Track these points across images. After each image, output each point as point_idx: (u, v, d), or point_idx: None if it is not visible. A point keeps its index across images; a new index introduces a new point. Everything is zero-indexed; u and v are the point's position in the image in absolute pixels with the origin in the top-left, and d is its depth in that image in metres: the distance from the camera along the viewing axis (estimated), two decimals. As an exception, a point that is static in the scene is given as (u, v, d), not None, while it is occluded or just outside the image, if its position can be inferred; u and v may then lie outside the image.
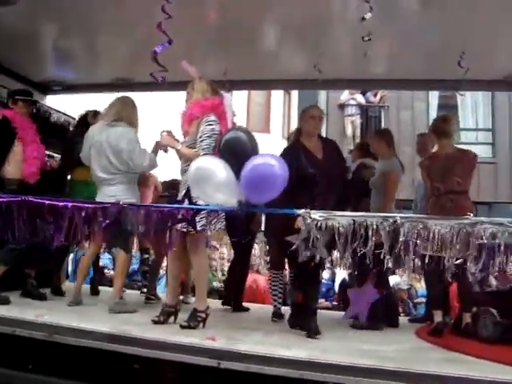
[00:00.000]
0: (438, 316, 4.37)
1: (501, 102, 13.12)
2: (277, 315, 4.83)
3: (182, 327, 3.93)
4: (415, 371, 3.13)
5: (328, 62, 5.10)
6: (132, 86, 6.33)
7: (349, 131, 12.90)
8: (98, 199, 4.62)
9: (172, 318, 4.20)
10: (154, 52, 4.07)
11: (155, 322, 4.11)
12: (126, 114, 4.85)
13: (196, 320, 3.98)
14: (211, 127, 3.99)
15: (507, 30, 4.76)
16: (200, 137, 4.03)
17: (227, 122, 4.09)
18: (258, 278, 7.17)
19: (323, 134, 14.10)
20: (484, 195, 12.57)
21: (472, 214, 3.50)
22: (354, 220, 3.30)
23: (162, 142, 4.39)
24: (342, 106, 13.06)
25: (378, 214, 3.46)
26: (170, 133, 4.38)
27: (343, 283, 8.13)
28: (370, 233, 3.28)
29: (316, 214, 3.37)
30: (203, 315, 4.00)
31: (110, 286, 6.39)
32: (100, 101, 6.22)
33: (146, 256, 5.95)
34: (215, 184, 3.53)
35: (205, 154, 3.92)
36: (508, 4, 4.36)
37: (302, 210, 3.47)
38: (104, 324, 3.90)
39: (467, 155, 4.56)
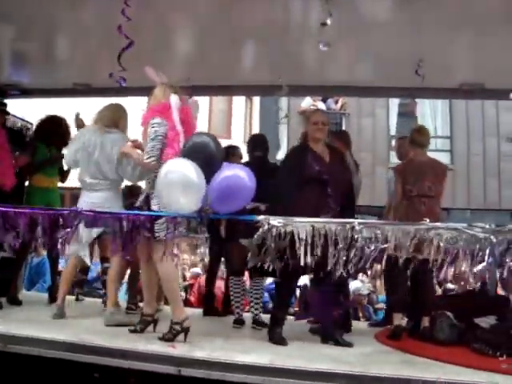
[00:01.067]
0: (396, 319, 4.44)
1: (458, 109, 13.47)
2: (238, 322, 4.81)
3: (159, 339, 3.80)
4: (372, 374, 3.18)
5: (290, 68, 5.15)
6: (91, 91, 6.23)
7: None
8: (79, 204, 4.51)
9: (151, 327, 4.09)
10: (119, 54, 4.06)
11: (132, 331, 4.01)
12: (120, 121, 4.78)
13: (171, 332, 3.79)
14: (154, 129, 3.89)
15: (463, 39, 4.90)
16: (147, 140, 3.98)
17: (189, 125, 4.02)
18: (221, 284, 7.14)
19: (284, 140, 14.26)
20: (442, 201, 12.87)
21: (428, 220, 3.56)
22: (312, 226, 3.33)
23: (123, 151, 4.31)
24: (304, 113, 13.14)
25: (338, 220, 3.48)
26: (134, 141, 4.33)
27: (304, 288, 8.18)
28: (329, 239, 3.31)
29: (275, 221, 3.38)
30: (178, 327, 3.78)
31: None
32: (57, 106, 6.16)
33: (107, 265, 5.86)
34: (184, 187, 3.50)
35: (149, 157, 3.85)
36: (464, 15, 4.50)
37: (261, 216, 3.49)
38: (63, 333, 3.81)
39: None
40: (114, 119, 4.74)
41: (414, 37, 4.90)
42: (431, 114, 13.88)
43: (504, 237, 3.27)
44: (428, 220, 3.50)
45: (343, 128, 13.15)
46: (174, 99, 3.96)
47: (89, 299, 6.18)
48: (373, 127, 13.06)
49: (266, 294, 8.64)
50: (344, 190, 4.33)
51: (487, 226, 3.32)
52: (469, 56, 5.30)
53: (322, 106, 13.01)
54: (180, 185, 3.50)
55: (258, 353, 3.57)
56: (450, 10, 4.47)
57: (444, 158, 13.55)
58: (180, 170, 3.55)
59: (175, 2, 4.61)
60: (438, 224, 3.43)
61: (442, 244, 3.31)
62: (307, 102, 12.91)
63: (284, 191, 4.26)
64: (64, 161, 4.94)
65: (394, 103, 13.46)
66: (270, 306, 8.46)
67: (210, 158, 3.55)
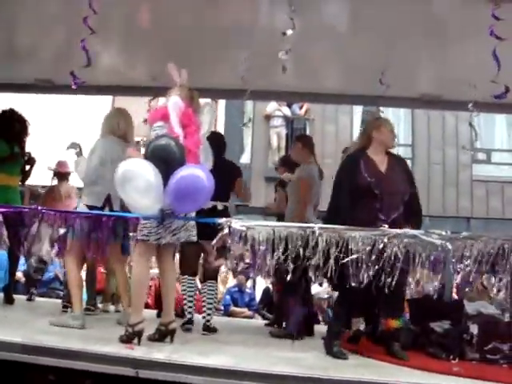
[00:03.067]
0: (355, 324, 4.51)
1: (420, 119, 13.74)
2: (187, 322, 4.73)
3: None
4: (330, 377, 3.23)
5: (254, 73, 5.17)
6: (53, 88, 6.12)
7: (274, 142, 13.04)
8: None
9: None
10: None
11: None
12: (130, 130, 4.75)
13: (125, 334, 3.75)
14: (155, 132, 3.86)
15: (425, 51, 5.02)
16: None
17: (190, 128, 3.93)
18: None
19: (248, 144, 14.22)
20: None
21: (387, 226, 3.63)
22: (273, 230, 3.35)
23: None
24: (268, 118, 13.20)
25: (299, 224, 3.52)
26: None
27: (266, 292, 8.23)
28: (289, 243, 3.34)
29: (237, 224, 3.40)
30: (130, 330, 3.73)
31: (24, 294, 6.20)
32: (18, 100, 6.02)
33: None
34: (141, 188, 3.48)
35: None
36: (426, 29, 4.62)
37: (223, 219, 3.50)
38: (17, 334, 3.71)
39: None
40: (126, 129, 4.71)
41: (378, 47, 5.00)
42: (394, 121, 14.05)
43: (459, 243, 3.36)
44: (387, 226, 3.58)
45: (307, 133, 13.30)
46: (173, 101, 3.90)
47: (46, 300, 6.06)
48: (336, 133, 13.18)
49: (228, 297, 8.69)
50: (400, 202, 4.07)
51: (443, 233, 3.42)
52: (429, 68, 5.45)
53: (286, 110, 13.10)
54: (138, 185, 3.49)
55: (218, 355, 3.57)
56: (413, 22, 4.59)
57: (405, 166, 13.84)
58: (136, 171, 3.53)
59: (144, 2, 4.62)
60: (396, 230, 3.50)
61: (399, 250, 3.37)
62: (272, 107, 12.99)
63: (337, 203, 4.10)
64: (78, 175, 4.70)
65: (358, 110, 13.65)
66: (232, 308, 8.52)
67: (170, 160, 3.52)
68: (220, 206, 4.75)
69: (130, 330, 3.72)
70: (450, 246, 3.37)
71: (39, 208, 3.92)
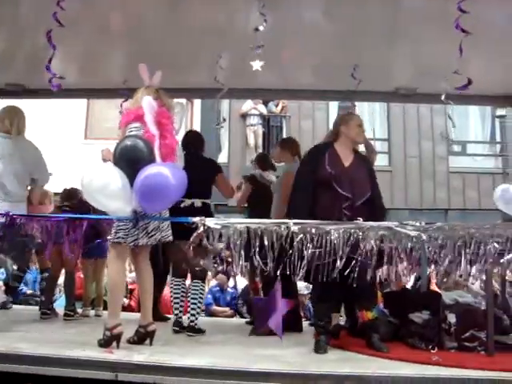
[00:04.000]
0: (335, 319, 4.52)
1: (395, 113, 13.86)
2: (177, 324, 4.70)
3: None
4: (311, 372, 3.24)
5: (229, 72, 5.16)
6: (24, 92, 6.03)
7: (251, 141, 13.07)
8: None
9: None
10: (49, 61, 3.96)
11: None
12: (22, 125, 4.66)
13: (103, 338, 3.72)
14: (132, 133, 3.84)
15: (398, 45, 5.07)
16: None
17: (164, 127, 3.90)
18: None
19: (225, 144, 14.23)
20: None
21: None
22: (248, 227, 3.35)
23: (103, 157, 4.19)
24: (244, 116, 13.21)
25: (272, 220, 3.51)
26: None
27: (246, 290, 8.23)
28: (265, 240, 3.33)
29: (211, 222, 3.39)
30: (108, 333, 3.70)
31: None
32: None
33: (47, 274, 5.74)
34: (109, 192, 3.46)
35: None
36: (398, 22, 4.65)
37: (197, 218, 3.48)
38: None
39: None
40: (18, 124, 4.64)
41: (351, 41, 5.03)
42: (370, 117, 14.21)
43: (434, 234, 3.39)
44: (361, 219, 3.60)
45: (284, 130, 13.36)
46: (147, 101, 3.88)
47: (23, 307, 5.99)
48: (313, 129, 13.24)
49: (210, 296, 8.67)
50: (361, 197, 4.07)
51: (418, 224, 3.45)
52: (403, 61, 5.49)
53: (262, 108, 13.12)
54: (104, 191, 3.47)
55: (198, 356, 3.56)
56: (385, 17, 4.62)
57: (382, 160, 13.96)
58: (101, 178, 3.51)
59: (114, 3, 4.57)
60: (370, 223, 3.52)
61: (374, 243, 3.39)
62: (248, 106, 12.99)
63: (296, 195, 4.14)
64: None
65: (334, 106, 13.73)
66: (213, 307, 8.50)
67: (138, 159, 3.50)
68: (198, 203, 4.72)
69: (107, 334, 3.69)
70: (424, 237, 3.40)
71: (10, 213, 3.83)
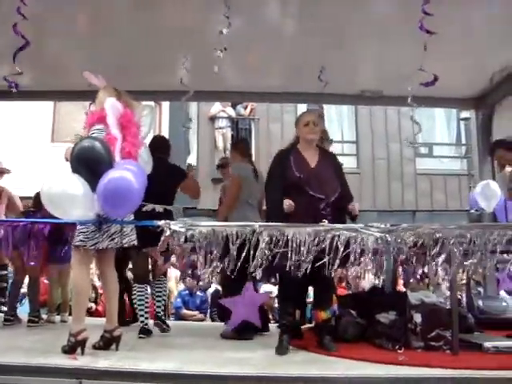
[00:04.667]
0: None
1: (363, 115, 14.00)
2: (144, 331, 4.63)
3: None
4: (277, 374, 3.24)
5: (195, 74, 5.14)
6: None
7: (220, 144, 13.03)
8: None
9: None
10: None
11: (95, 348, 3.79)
12: None
13: (67, 344, 3.62)
14: (94, 135, 3.76)
15: (363, 48, 5.12)
16: None
17: (128, 129, 3.84)
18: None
19: (194, 146, 14.11)
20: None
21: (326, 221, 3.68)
22: (213, 229, 3.33)
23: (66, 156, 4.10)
24: (213, 119, 13.17)
25: (240, 223, 3.50)
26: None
27: (216, 294, 8.21)
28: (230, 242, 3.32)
29: (176, 225, 3.36)
30: (73, 339, 3.61)
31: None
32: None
33: (4, 272, 5.60)
34: (69, 200, 3.41)
35: None
36: (364, 25, 4.70)
37: (162, 221, 3.45)
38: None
39: None
40: None
41: (317, 45, 5.08)
42: (337, 119, 14.33)
43: (398, 235, 3.43)
44: (326, 221, 3.61)
45: (252, 133, 13.37)
46: (110, 103, 3.81)
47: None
48: (281, 132, 13.28)
49: (179, 300, 8.62)
50: (332, 195, 4.11)
51: (382, 226, 3.48)
52: (368, 64, 5.56)
53: (231, 111, 13.10)
54: (64, 201, 3.43)
55: (166, 360, 3.51)
56: (349, 21, 4.67)
57: (350, 162, 14.08)
58: (59, 187, 3.46)
59: (80, 5, 4.51)
60: (336, 225, 3.54)
61: (340, 244, 3.41)
62: (216, 108, 12.96)
63: (268, 198, 4.22)
64: None
65: (303, 108, 13.78)
66: (183, 311, 8.46)
67: (96, 161, 3.45)
68: (159, 208, 4.68)
69: (72, 340, 3.62)
70: (389, 238, 3.43)
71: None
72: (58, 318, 5.73)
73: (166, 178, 4.69)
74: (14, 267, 5.50)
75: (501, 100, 5.95)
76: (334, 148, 14.09)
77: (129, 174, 3.40)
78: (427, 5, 3.94)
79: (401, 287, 5.71)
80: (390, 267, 3.56)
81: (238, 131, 13.22)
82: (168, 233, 3.37)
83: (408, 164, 14.00)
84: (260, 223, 3.48)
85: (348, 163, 14.16)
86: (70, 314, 5.44)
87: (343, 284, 7.21)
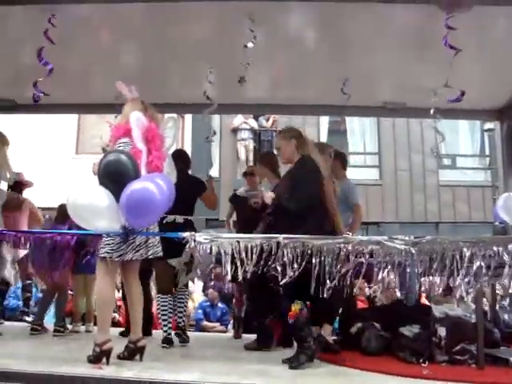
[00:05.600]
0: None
1: (385, 127, 13.96)
2: (167, 341, 4.71)
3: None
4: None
5: (218, 87, 5.19)
6: (16, 107, 6.05)
7: (242, 155, 13.07)
8: None
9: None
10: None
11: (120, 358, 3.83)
12: None
13: (92, 354, 3.66)
14: (120, 148, 3.82)
15: (386, 59, 5.12)
16: None
17: (153, 143, 3.88)
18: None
19: (216, 158, 14.09)
20: (372, 215, 13.24)
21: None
22: (238, 242, 3.35)
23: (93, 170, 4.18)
24: (235, 131, 13.23)
25: (263, 235, 3.51)
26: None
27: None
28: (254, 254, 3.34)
29: (200, 237, 3.39)
30: (98, 349, 3.65)
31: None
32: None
33: (29, 282, 5.68)
34: (95, 212, 3.47)
35: None
36: (386, 35, 4.71)
37: (187, 233, 3.49)
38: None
39: None
40: None
41: (340, 57, 5.10)
42: (360, 131, 14.31)
43: (422, 248, 3.41)
44: (351, 234, 3.61)
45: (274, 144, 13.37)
46: (135, 116, 3.86)
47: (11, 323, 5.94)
48: (304, 144, 13.31)
49: (200, 311, 8.63)
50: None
51: (407, 238, 3.46)
52: (391, 76, 5.55)
53: (253, 123, 13.15)
54: (90, 210, 3.49)
55: (188, 371, 3.53)
56: (373, 33, 4.68)
57: (373, 174, 14.04)
58: (85, 198, 3.52)
59: (104, 20, 4.60)
60: (360, 237, 3.53)
61: (364, 257, 3.41)
62: (239, 120, 13.02)
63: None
64: None
65: (325, 120, 13.80)
66: (204, 322, 8.45)
67: (122, 174, 3.50)
68: (179, 219, 4.74)
69: (97, 350, 3.65)
70: (413, 251, 3.42)
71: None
72: (82, 327, 5.80)
73: (187, 190, 4.73)
74: (43, 280, 5.55)
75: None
76: (356, 160, 14.16)
77: (151, 184, 3.44)
78: (451, 17, 3.95)
79: (424, 300, 5.65)
80: (414, 280, 3.50)
81: (261, 143, 13.27)
82: (193, 244, 3.40)
83: (431, 175, 13.89)
84: (284, 235, 3.47)
85: (370, 175, 14.18)
86: (94, 324, 5.48)
87: (362, 297, 7.14)
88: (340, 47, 4.95)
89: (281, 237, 3.41)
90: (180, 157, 5.17)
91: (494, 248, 3.42)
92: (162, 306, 4.89)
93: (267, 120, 13.47)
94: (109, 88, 5.58)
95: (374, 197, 13.55)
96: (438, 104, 4.77)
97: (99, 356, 3.64)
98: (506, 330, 4.68)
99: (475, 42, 4.61)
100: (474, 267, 3.40)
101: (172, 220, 4.73)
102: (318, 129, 13.75)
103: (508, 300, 4.98)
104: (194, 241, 3.42)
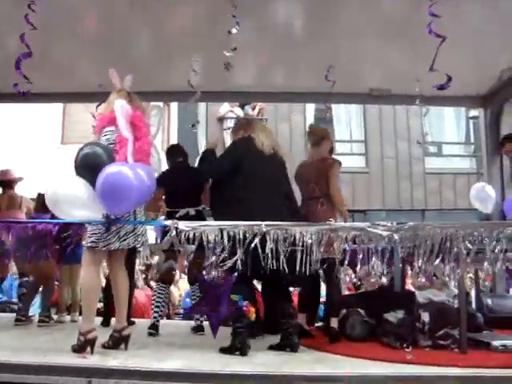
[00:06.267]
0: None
1: (372, 114, 13.99)
2: (154, 327, 4.72)
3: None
4: (284, 373, 3.25)
5: (202, 75, 5.14)
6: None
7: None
8: None
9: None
10: (17, 62, 3.91)
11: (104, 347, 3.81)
12: None
13: (77, 344, 3.66)
14: (106, 137, 3.82)
15: (371, 47, 5.11)
16: None
17: (139, 131, 3.85)
18: (137, 292, 7.03)
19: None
20: (359, 203, 13.33)
21: (333, 220, 3.68)
22: (221, 229, 3.35)
23: None
24: (221, 119, 13.17)
25: (245, 222, 3.50)
26: None
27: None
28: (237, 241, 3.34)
29: (182, 225, 3.38)
30: (82, 338, 3.64)
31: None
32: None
33: (26, 278, 5.65)
34: (73, 202, 3.45)
35: None
36: (371, 26, 4.70)
37: (169, 221, 3.47)
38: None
39: (323, 162, 4.71)
40: None
41: (324, 42, 5.08)
42: (346, 118, 14.33)
43: (405, 233, 3.43)
44: (333, 220, 3.62)
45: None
46: (119, 104, 3.81)
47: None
48: (290, 132, 13.30)
49: (188, 300, 8.62)
50: None
51: (389, 224, 3.48)
52: (377, 63, 5.54)
53: (239, 111, 13.10)
54: (68, 204, 3.48)
55: (173, 359, 3.54)
56: (358, 20, 4.67)
57: (359, 162, 14.09)
58: (64, 187, 3.51)
59: (87, 7, 4.54)
60: (342, 224, 3.54)
61: (346, 243, 3.42)
62: (225, 109, 12.96)
63: None
64: None
65: (311, 108, 13.79)
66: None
67: (98, 166, 3.45)
68: (192, 211, 4.78)
69: (81, 339, 3.65)
70: (396, 237, 3.43)
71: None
72: (67, 317, 5.77)
73: (191, 181, 4.81)
74: (32, 270, 5.45)
75: (509, 98, 5.92)
76: (342, 148, 14.21)
77: (126, 168, 3.42)
78: (434, 5, 3.94)
79: (409, 286, 5.69)
80: (399, 266, 3.53)
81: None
82: (174, 232, 3.38)
83: (417, 163, 13.98)
84: (267, 222, 3.47)
85: (357, 162, 14.22)
86: (80, 314, 5.46)
87: (349, 284, 7.18)
88: (325, 33, 4.92)
89: (263, 224, 3.41)
90: (177, 150, 5.26)
91: (475, 233, 3.45)
92: (159, 294, 4.90)
93: (253, 109, 13.40)
94: (92, 77, 5.58)
95: (360, 184, 13.63)
96: (422, 91, 4.77)
97: (84, 345, 3.63)
98: (489, 315, 4.75)
99: (458, 28, 4.60)
100: (456, 252, 3.41)
101: (185, 213, 4.73)
102: (304, 116, 13.76)
103: (490, 284, 5.05)
104: (176, 229, 3.41)
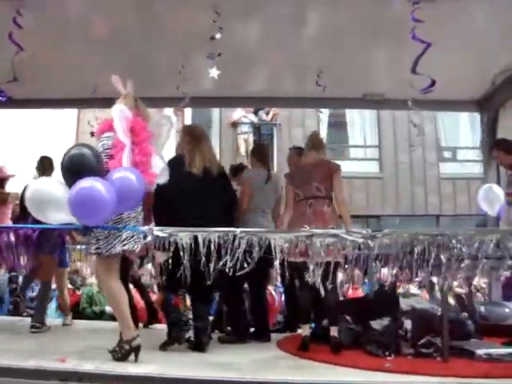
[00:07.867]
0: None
1: (385, 119, 13.86)
2: None
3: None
4: (256, 380, 3.25)
5: (194, 80, 5.18)
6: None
7: (242, 149, 13.07)
8: None
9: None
10: None
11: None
12: None
13: (120, 351, 3.61)
14: (102, 143, 3.83)
15: (364, 50, 5.11)
16: None
17: (139, 136, 3.82)
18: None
19: (217, 152, 14.22)
20: (372, 208, 13.24)
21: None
22: (195, 236, 3.36)
23: None
24: (235, 124, 13.25)
25: (221, 228, 3.51)
26: None
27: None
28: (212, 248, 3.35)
29: (159, 231, 3.40)
30: (127, 346, 3.59)
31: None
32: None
33: (14, 273, 5.67)
34: (56, 205, 3.46)
35: None
36: (364, 30, 4.70)
37: (146, 227, 3.50)
38: None
39: (327, 164, 4.67)
40: None
41: (316, 49, 5.09)
42: (360, 123, 14.25)
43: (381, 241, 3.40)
44: (308, 227, 3.60)
45: (274, 138, 13.38)
46: (118, 109, 3.81)
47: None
48: (303, 137, 13.21)
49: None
50: None
51: (364, 232, 3.45)
52: (370, 67, 5.52)
53: (253, 117, 13.15)
54: (49, 205, 3.48)
55: (151, 364, 3.53)
56: (351, 25, 4.67)
57: (373, 167, 13.98)
58: (42, 190, 3.52)
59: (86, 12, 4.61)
60: (317, 230, 3.53)
61: (322, 249, 3.41)
62: (238, 114, 13.03)
63: None
64: None
65: (325, 113, 13.72)
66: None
67: (84, 168, 3.46)
68: None
69: (126, 347, 3.59)
70: (371, 244, 3.41)
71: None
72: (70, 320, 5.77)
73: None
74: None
75: (504, 103, 5.84)
76: (356, 153, 14.11)
77: (98, 184, 3.37)
78: (429, 9, 3.91)
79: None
80: (372, 273, 3.50)
81: (260, 136, 13.26)
82: (150, 238, 3.41)
83: (431, 168, 13.80)
84: (241, 229, 3.48)
85: (370, 168, 14.11)
86: (73, 318, 5.50)
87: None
88: (317, 38, 4.94)
89: (238, 230, 3.42)
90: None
91: (454, 241, 3.40)
92: None
93: (267, 114, 13.45)
94: (89, 81, 5.65)
95: (374, 190, 13.52)
96: (418, 95, 4.73)
97: (128, 353, 3.60)
98: (481, 322, 4.67)
99: (452, 33, 4.58)
100: (432, 260, 3.37)
101: None
102: (318, 121, 13.70)
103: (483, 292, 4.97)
104: (152, 234, 3.43)
